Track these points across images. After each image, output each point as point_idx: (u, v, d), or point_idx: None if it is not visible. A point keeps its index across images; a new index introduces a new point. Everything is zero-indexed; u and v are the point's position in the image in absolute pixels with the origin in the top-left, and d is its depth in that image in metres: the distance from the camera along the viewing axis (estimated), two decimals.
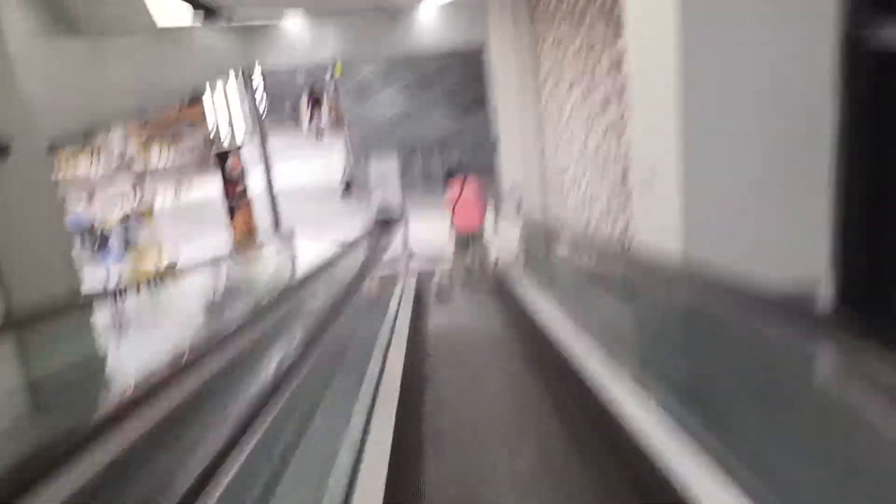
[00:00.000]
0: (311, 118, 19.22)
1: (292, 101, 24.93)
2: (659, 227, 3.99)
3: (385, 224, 9.86)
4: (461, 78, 13.38)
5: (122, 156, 19.33)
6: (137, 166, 19.02)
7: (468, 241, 7.96)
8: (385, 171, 10.13)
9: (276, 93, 26.37)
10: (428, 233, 10.93)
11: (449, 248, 8.16)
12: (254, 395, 1.69)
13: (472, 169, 14.01)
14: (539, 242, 7.53)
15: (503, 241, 8.80)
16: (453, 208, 7.81)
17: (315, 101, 20.31)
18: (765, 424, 2.07)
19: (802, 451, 1.86)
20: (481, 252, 8.05)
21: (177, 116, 23.85)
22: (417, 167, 13.84)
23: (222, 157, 9.41)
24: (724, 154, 3.59)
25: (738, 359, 2.34)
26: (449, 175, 8.06)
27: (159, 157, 19.60)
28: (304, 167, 18.05)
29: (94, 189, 14.02)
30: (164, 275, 8.46)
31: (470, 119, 13.64)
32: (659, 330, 3.42)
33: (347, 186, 14.25)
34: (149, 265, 9.53)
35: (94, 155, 20.50)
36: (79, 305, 4.52)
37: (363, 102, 13.65)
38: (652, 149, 4.01)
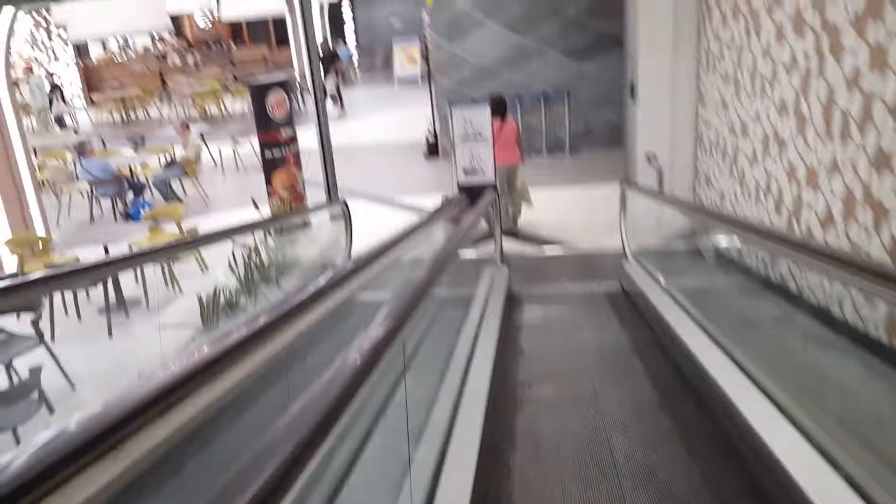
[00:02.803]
0: (330, 73, 15.74)
1: (385, 47, 22.56)
2: None
3: (473, 192, 7.31)
4: (584, 9, 10.52)
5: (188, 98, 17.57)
6: (199, 108, 17.21)
7: (505, 177, 7.78)
8: (474, 125, 7.57)
9: (369, 38, 24.12)
10: (528, 211, 8.34)
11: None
12: None
13: (596, 129, 11.24)
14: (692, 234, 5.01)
15: (634, 225, 6.12)
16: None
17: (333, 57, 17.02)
18: None
19: None
20: (517, 198, 7.98)
21: (260, 58, 22.00)
22: (516, 123, 11.15)
23: (260, 92, 7.06)
24: None
25: None
26: (494, 108, 7.55)
27: (231, 102, 17.70)
28: (390, 121, 15.73)
29: (142, 133, 12.21)
30: (181, 243, 6.31)
31: (591, 64, 10.76)
32: None
33: (433, 144, 11.76)
34: (168, 229, 7.43)
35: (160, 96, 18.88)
36: None
37: (456, 42, 11.04)
38: None
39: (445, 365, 3.44)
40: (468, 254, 6.82)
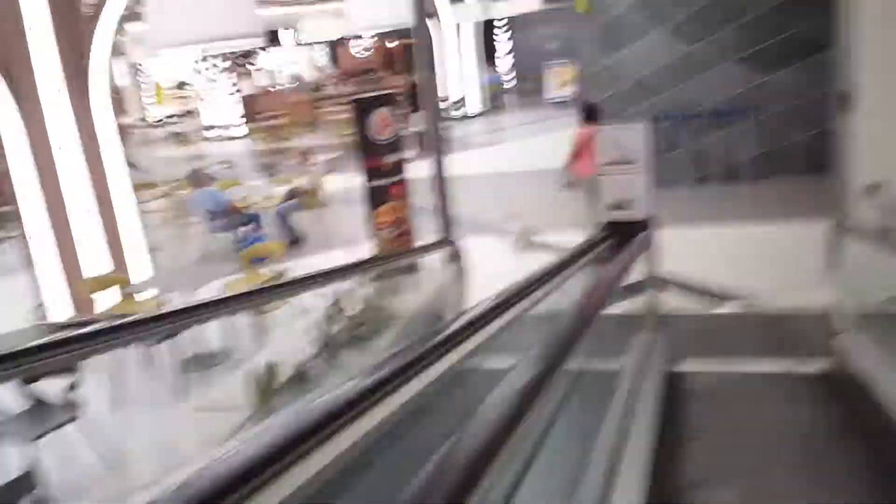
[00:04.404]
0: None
1: (539, 71, 21.29)
2: None
3: (622, 231, 5.75)
4: (770, 8, 8.57)
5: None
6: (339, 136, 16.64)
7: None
8: (625, 147, 5.96)
9: (525, 60, 23.03)
10: (693, 255, 6.58)
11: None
12: None
13: (783, 152, 9.17)
14: None
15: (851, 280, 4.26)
16: (579, 152, 7.38)
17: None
18: None
19: None
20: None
21: (408, 86, 21.47)
22: (682, 146, 9.33)
23: (363, 108, 5.97)
24: None
25: None
26: (587, 113, 7.60)
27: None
28: (532, 147, 14.45)
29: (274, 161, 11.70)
30: (264, 292, 5.30)
31: (779, 73, 8.74)
32: None
33: None
34: (259, 271, 6.52)
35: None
36: None
37: (611, 53, 9.49)
38: None
39: (583, 459, 2.41)
40: (611, 309, 5.29)
